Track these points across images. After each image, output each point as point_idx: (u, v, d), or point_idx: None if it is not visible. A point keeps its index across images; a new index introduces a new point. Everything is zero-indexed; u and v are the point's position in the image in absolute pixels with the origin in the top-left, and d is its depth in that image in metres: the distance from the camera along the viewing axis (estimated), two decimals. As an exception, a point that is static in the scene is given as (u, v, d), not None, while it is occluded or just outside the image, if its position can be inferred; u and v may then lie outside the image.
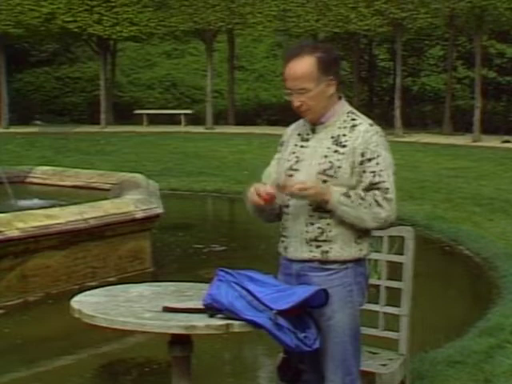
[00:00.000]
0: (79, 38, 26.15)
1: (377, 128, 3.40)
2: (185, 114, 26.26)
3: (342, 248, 3.35)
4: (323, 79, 3.36)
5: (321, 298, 3.28)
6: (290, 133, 3.56)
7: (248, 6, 23.82)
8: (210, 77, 25.21)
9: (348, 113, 3.43)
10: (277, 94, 28.75)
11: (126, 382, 5.07)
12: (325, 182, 3.32)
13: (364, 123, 3.39)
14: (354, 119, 3.40)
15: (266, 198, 3.33)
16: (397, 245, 4.33)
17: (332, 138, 3.37)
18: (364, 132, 3.35)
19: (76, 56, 30.55)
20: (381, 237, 4.11)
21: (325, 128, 3.41)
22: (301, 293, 3.24)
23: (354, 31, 23.70)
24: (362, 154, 3.31)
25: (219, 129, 24.52)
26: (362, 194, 3.31)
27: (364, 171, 3.31)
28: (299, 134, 3.49)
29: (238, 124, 25.54)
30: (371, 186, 3.31)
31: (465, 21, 22.69)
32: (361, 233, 3.37)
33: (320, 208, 3.34)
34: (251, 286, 3.28)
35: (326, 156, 3.35)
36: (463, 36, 26.35)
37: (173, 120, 26.24)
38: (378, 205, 3.30)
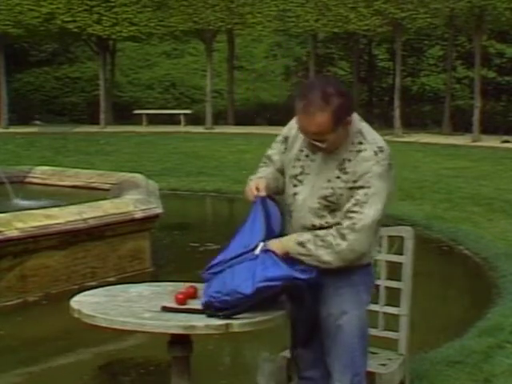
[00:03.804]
0: (79, 38, 26.14)
1: (382, 155, 3.25)
2: (184, 113, 26.25)
3: None
4: (340, 125, 3.22)
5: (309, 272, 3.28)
6: (295, 133, 3.41)
7: (247, 6, 23.81)
8: (209, 77, 25.20)
9: (357, 133, 3.29)
10: (276, 93, 28.79)
11: (125, 382, 5.07)
12: (327, 206, 3.29)
13: (369, 149, 3.25)
14: (360, 142, 3.27)
15: (180, 298, 3.37)
16: (396, 245, 4.33)
17: (337, 160, 3.28)
18: (366, 161, 3.23)
19: (75, 56, 30.55)
20: (380, 237, 4.11)
21: None
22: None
23: (353, 31, 23.70)
24: (355, 181, 3.24)
25: (219, 129, 24.52)
26: (323, 233, 3.26)
27: (352, 196, 3.25)
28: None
29: (237, 124, 25.54)
30: (348, 213, 3.24)
31: (464, 21, 22.68)
32: None
33: (320, 227, 3.33)
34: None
35: (329, 181, 3.29)
36: (463, 36, 26.35)
37: (172, 120, 26.24)
38: (342, 237, 3.24)
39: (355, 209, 3.23)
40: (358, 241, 3.23)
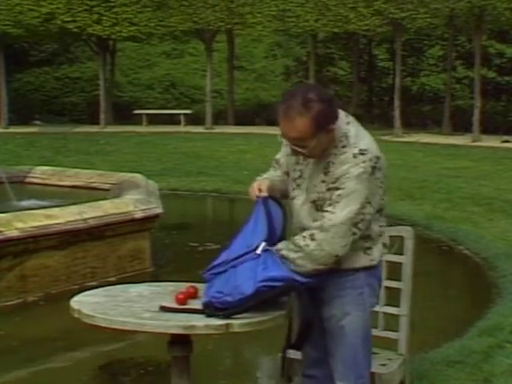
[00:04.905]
0: (79, 38, 26.16)
1: (362, 157, 3.19)
2: (184, 113, 26.25)
3: (351, 260, 3.33)
4: (322, 131, 3.21)
5: None
6: None
7: (247, 6, 23.82)
8: (209, 77, 25.21)
9: (342, 137, 3.26)
10: (276, 93, 28.74)
11: (125, 381, 5.07)
12: (318, 209, 3.30)
13: (349, 152, 3.22)
14: (344, 146, 3.25)
15: (180, 298, 3.34)
16: (396, 245, 4.33)
17: (324, 164, 3.28)
18: (344, 163, 3.21)
19: (75, 56, 30.57)
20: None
21: None
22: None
23: (353, 31, 23.71)
24: (333, 183, 3.23)
25: (219, 129, 24.52)
26: (296, 237, 3.27)
27: (330, 197, 3.26)
28: None
29: (237, 124, 25.55)
30: (322, 213, 3.25)
31: (464, 21, 22.69)
32: (368, 244, 3.36)
33: None
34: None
35: (315, 185, 3.31)
36: (462, 36, 26.36)
37: (172, 120, 26.25)
38: (311, 237, 3.23)
39: (328, 209, 3.23)
40: (326, 240, 3.20)
